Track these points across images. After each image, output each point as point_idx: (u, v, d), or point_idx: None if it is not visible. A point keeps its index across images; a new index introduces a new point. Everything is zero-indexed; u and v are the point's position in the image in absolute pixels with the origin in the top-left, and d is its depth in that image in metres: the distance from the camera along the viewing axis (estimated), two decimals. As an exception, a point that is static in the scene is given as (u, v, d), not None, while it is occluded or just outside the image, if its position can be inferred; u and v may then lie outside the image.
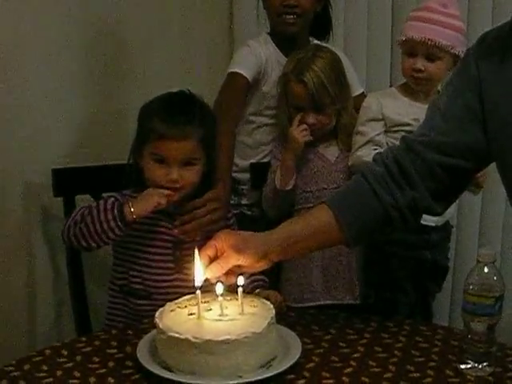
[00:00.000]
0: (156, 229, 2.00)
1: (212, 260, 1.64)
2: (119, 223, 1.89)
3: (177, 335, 1.50)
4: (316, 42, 2.64)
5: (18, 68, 2.36)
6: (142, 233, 1.99)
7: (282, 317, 1.78)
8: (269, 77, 2.52)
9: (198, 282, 1.59)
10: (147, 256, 1.99)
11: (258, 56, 2.49)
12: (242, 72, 2.44)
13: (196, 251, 1.63)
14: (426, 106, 2.25)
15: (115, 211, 1.90)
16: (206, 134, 1.98)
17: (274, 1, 2.50)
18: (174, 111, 1.96)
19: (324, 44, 2.59)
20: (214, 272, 1.63)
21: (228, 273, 1.66)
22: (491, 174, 3.01)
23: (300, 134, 2.37)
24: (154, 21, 2.86)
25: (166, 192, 1.92)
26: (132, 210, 1.90)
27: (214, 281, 1.62)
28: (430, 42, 2.25)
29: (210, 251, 1.64)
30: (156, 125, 1.93)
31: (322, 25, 2.66)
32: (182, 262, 1.97)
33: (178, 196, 1.98)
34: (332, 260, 2.40)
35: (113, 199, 1.95)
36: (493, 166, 2.97)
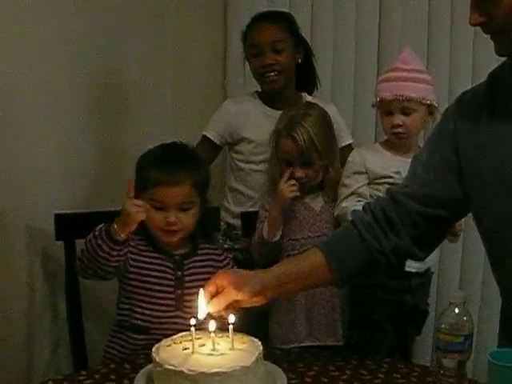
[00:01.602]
0: (160, 268, 2.15)
1: (213, 296, 1.77)
2: (111, 245, 2.01)
3: (172, 368, 1.61)
4: (308, 97, 2.82)
5: (20, 115, 2.48)
6: (148, 271, 2.13)
7: (269, 355, 1.90)
8: (248, 127, 2.77)
9: (202, 315, 1.73)
10: (151, 293, 2.13)
11: (226, 117, 2.79)
12: (208, 135, 2.82)
13: (200, 290, 1.76)
14: (407, 160, 2.44)
15: (103, 235, 2.01)
16: (198, 179, 2.16)
17: (254, 63, 2.76)
18: (167, 160, 2.14)
19: (315, 101, 2.76)
20: (215, 307, 1.76)
21: (227, 308, 1.78)
22: (470, 221, 3.18)
23: (288, 189, 2.51)
24: (152, 74, 3.03)
25: (141, 203, 2.01)
26: (118, 230, 2.00)
27: (215, 315, 1.75)
28: (401, 98, 2.42)
29: (211, 288, 1.78)
30: (152, 174, 2.11)
31: (307, 76, 2.85)
32: (183, 300, 2.13)
33: (177, 238, 2.15)
34: (315, 303, 2.52)
35: (100, 226, 2.05)
36: (470, 216, 3.13)
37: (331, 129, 2.62)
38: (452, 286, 3.29)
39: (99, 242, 2.01)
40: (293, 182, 2.53)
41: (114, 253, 2.03)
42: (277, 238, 2.53)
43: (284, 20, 2.79)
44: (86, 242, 2.05)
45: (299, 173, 2.54)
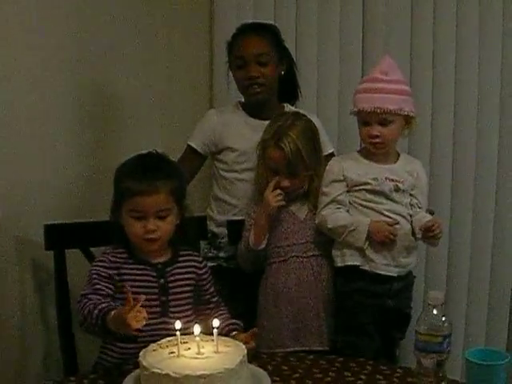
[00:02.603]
0: (143, 278, 2.18)
1: None
2: (105, 334, 2.03)
3: (158, 371, 1.67)
4: (291, 108, 2.87)
5: (11, 128, 2.53)
6: (132, 282, 2.15)
7: (255, 358, 1.96)
8: (230, 136, 2.82)
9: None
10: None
11: (209, 126, 2.85)
12: (192, 144, 2.87)
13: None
14: (384, 166, 2.52)
15: (99, 324, 1.99)
16: (174, 187, 2.20)
17: (238, 75, 2.80)
18: (142, 170, 2.19)
19: (302, 111, 2.79)
20: None
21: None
22: (456, 227, 3.25)
23: (274, 198, 2.56)
24: (141, 87, 3.09)
25: (143, 314, 1.91)
26: (112, 329, 1.97)
27: None
28: (379, 110, 2.45)
29: None
30: (129, 184, 2.16)
31: (289, 87, 2.91)
32: (168, 306, 2.18)
33: (157, 245, 2.19)
34: (301, 309, 2.57)
35: (96, 312, 2.01)
36: (454, 220, 3.20)
37: (317, 139, 2.67)
38: (438, 289, 3.33)
39: (96, 328, 2.02)
40: (278, 191, 2.57)
41: (114, 336, 2.04)
42: (262, 246, 2.58)
43: (269, 33, 2.83)
44: (82, 315, 2.05)
45: (285, 182, 2.58)
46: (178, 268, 2.24)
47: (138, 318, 1.87)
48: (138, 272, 2.18)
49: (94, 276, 2.14)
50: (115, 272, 2.16)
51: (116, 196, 2.22)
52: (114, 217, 2.23)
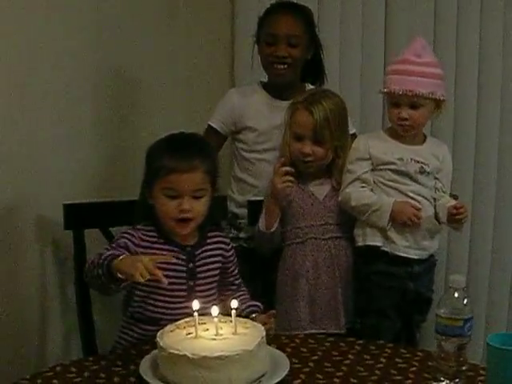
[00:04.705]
0: (173, 261, 2.10)
1: None
2: (110, 279, 1.94)
3: (176, 352, 1.66)
4: (312, 87, 2.83)
5: (32, 109, 2.51)
6: (160, 264, 1.99)
7: (273, 339, 1.94)
8: (251, 116, 2.81)
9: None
10: (163, 285, 1.98)
11: (229, 106, 2.84)
12: (212, 124, 2.87)
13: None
14: (410, 147, 2.48)
15: (104, 268, 1.93)
16: (210, 167, 2.14)
17: (266, 51, 2.76)
18: (179, 148, 2.12)
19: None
20: None
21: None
22: (478, 211, 3.22)
23: (280, 180, 2.55)
24: (160, 67, 3.06)
25: (153, 272, 1.87)
26: (117, 273, 1.91)
27: None
28: (410, 93, 2.40)
29: None
30: (164, 161, 2.08)
31: (314, 70, 2.87)
32: (194, 291, 2.13)
33: (190, 228, 2.12)
34: (318, 292, 2.55)
35: (105, 255, 1.97)
36: (477, 204, 3.17)
37: (346, 117, 2.64)
38: (460, 272, 3.30)
39: (99, 271, 1.95)
40: (285, 169, 2.55)
41: (113, 286, 1.98)
42: (273, 229, 2.57)
43: (304, 15, 2.80)
44: (90, 263, 2.02)
45: (307, 148, 2.55)
46: (207, 251, 2.19)
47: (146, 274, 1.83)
48: (168, 254, 2.11)
49: (122, 243, 2.07)
50: (142, 251, 2.08)
51: (148, 174, 2.15)
52: (144, 196, 2.17)
